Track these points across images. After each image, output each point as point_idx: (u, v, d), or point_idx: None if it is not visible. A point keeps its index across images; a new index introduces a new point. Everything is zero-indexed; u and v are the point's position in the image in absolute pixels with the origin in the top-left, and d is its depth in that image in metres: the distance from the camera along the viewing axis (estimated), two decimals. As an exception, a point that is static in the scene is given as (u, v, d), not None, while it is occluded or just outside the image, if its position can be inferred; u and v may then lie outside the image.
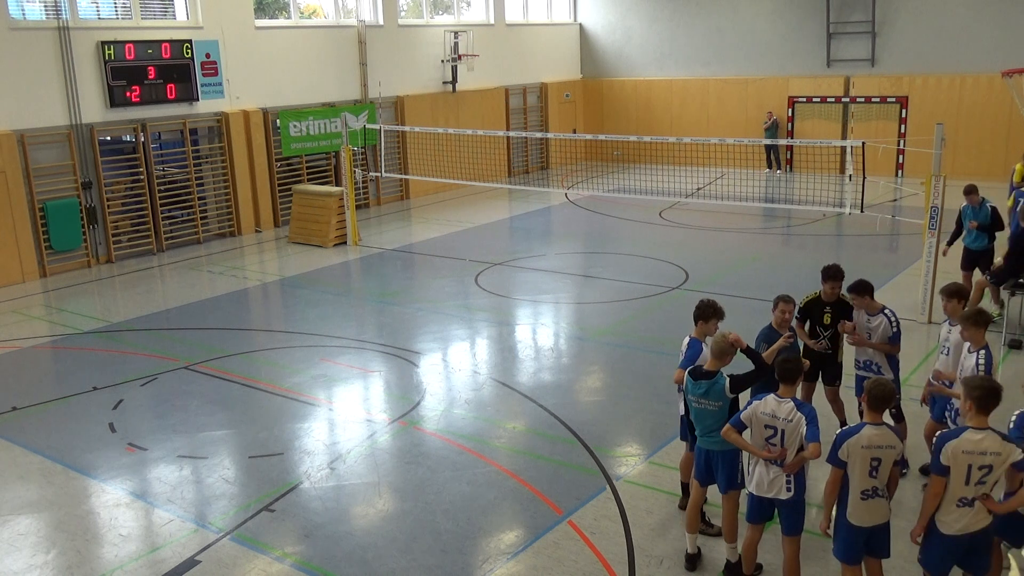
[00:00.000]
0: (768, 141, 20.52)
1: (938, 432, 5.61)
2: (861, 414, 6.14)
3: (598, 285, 14.90)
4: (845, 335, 7.99)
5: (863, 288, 7.81)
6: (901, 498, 6.74)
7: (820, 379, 8.26)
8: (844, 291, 8.05)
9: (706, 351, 6.81)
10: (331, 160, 21.73)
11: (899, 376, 7.99)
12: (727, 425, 6.21)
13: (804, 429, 5.89)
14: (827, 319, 8.01)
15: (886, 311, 7.78)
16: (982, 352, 6.78)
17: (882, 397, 5.61)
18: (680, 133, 24.86)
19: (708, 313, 7.08)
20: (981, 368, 6.71)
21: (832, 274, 8.05)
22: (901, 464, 5.71)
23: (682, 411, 7.17)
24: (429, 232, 19.59)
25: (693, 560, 6.74)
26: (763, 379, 6.43)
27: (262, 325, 13.69)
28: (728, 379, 6.45)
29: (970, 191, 12.00)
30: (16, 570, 7.03)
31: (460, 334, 12.58)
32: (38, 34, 16.24)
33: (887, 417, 7.07)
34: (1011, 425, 5.89)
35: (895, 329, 7.70)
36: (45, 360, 12.36)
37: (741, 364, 6.96)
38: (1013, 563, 6.59)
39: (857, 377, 8.01)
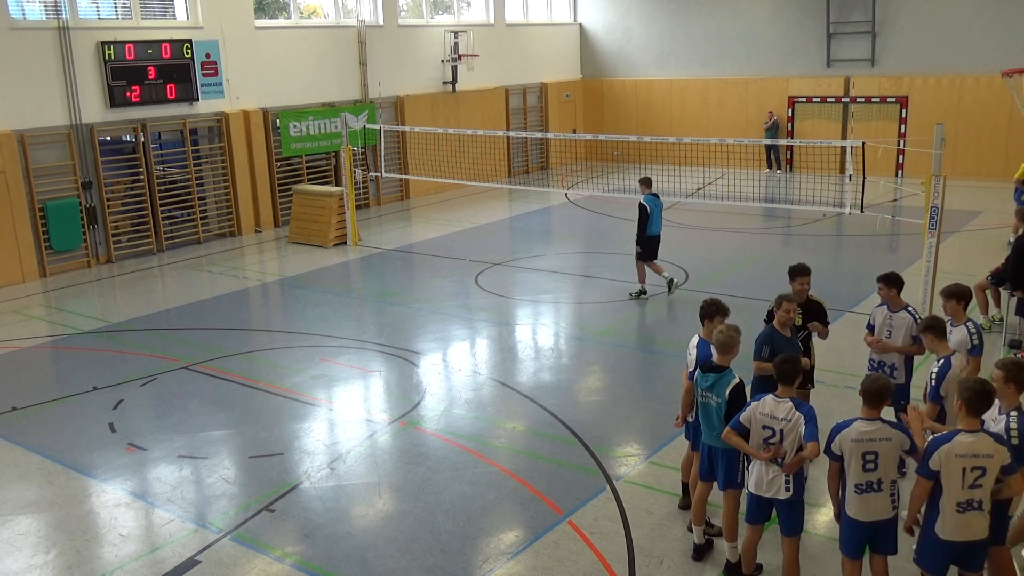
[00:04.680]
0: (768, 141, 20.52)
1: (931, 436, 5.56)
2: None
3: (598, 285, 14.90)
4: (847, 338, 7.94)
5: (892, 280, 7.71)
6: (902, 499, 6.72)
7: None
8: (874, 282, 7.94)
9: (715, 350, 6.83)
10: (331, 160, 21.72)
11: (911, 378, 7.91)
12: (727, 428, 6.22)
13: (803, 428, 5.90)
14: (798, 320, 7.83)
15: (909, 308, 7.68)
16: (969, 323, 7.06)
17: (875, 392, 5.59)
18: (680, 133, 24.86)
19: (712, 311, 7.08)
20: (974, 337, 6.95)
21: (800, 270, 7.97)
22: (899, 464, 5.70)
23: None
24: (429, 232, 19.59)
25: (701, 551, 6.83)
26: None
27: (262, 325, 13.68)
28: (734, 386, 6.43)
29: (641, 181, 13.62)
30: (16, 570, 7.03)
31: (460, 334, 12.58)
32: (38, 34, 16.23)
33: (894, 418, 7.05)
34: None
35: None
36: (45, 360, 12.35)
37: (746, 364, 6.95)
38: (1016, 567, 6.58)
39: None
